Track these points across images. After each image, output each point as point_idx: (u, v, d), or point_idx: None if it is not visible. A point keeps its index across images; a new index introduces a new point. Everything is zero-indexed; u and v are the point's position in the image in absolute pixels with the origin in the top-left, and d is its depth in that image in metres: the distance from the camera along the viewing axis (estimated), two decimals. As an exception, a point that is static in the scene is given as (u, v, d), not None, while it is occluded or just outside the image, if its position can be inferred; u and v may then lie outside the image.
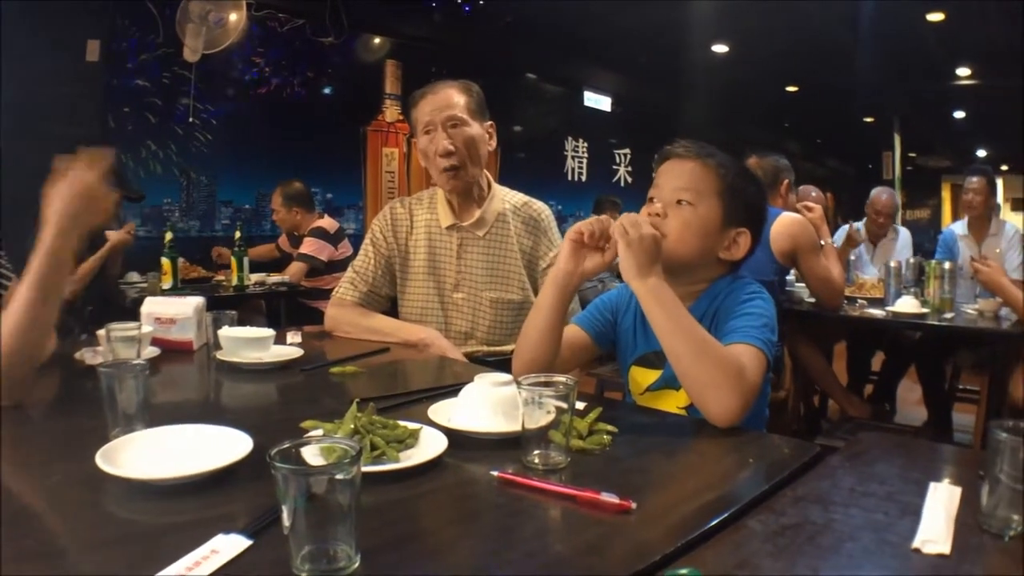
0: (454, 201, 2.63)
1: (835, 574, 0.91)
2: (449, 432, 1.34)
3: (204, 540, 0.93)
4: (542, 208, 2.73)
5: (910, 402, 5.48)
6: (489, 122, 2.63)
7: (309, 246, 5.37)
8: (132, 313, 2.22)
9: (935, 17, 8.42)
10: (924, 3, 8.08)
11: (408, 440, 1.28)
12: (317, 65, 7.26)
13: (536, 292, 2.46)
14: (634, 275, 1.58)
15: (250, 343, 2.03)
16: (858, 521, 1.05)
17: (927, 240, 8.85)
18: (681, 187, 1.78)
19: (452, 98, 2.53)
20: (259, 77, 6.86)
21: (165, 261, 4.49)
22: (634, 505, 1.07)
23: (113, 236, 4.63)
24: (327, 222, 5.58)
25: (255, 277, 5.06)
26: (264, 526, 0.97)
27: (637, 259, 1.57)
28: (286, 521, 0.86)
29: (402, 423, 1.33)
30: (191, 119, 6.30)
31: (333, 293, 2.66)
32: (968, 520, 1.04)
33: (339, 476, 0.86)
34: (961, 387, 4.97)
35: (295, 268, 5.31)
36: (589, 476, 1.22)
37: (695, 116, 11.97)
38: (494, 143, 2.65)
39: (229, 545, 0.92)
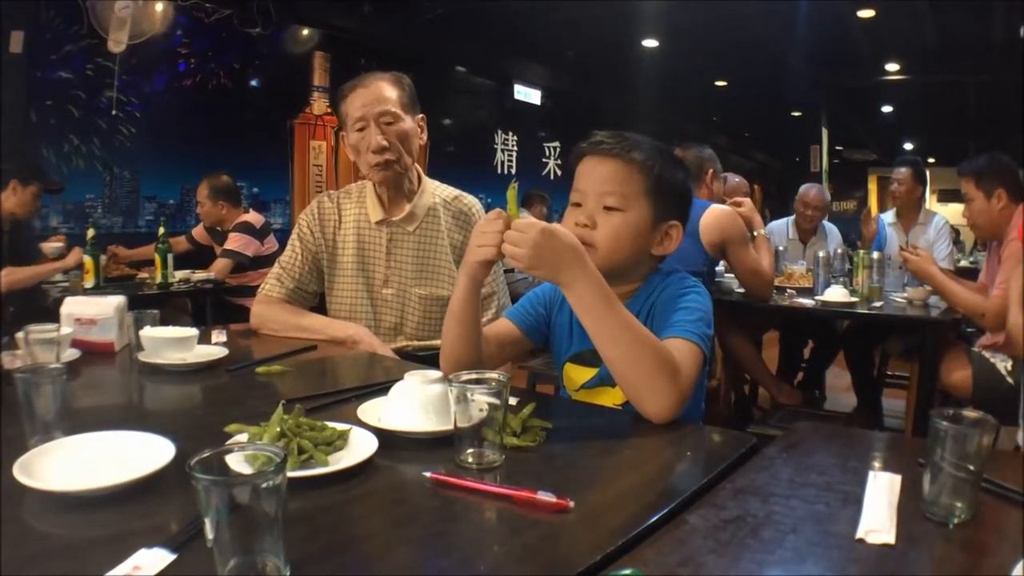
0: (384, 195, 2.59)
1: (780, 569, 0.91)
2: (380, 432, 1.31)
3: (126, 555, 0.89)
4: (473, 202, 2.70)
5: (839, 389, 5.61)
6: (420, 115, 2.59)
7: (234, 241, 5.26)
8: (54, 313, 2.14)
9: (865, 13, 8.57)
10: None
11: (337, 442, 1.25)
12: (244, 57, 7.12)
13: None
14: (553, 278, 1.49)
15: (173, 343, 1.97)
16: (800, 513, 1.05)
17: (853, 231, 9.00)
18: (607, 191, 1.71)
19: (384, 92, 2.48)
20: (185, 69, 6.70)
21: (87, 259, 4.36)
22: (571, 504, 1.05)
23: (70, 258, 4.51)
24: (253, 217, 5.48)
25: (179, 274, 4.95)
26: (188, 539, 0.93)
27: (545, 269, 1.46)
28: (209, 534, 0.82)
29: (331, 424, 1.29)
30: (115, 112, 6.14)
31: (259, 290, 2.60)
32: (911, 508, 1.05)
33: (263, 485, 0.82)
34: (889, 373, 5.09)
35: (220, 264, 5.21)
36: (524, 474, 1.20)
37: (625, 110, 12.08)
38: (425, 136, 2.62)
39: (152, 560, 0.88)
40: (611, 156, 1.73)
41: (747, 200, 4.16)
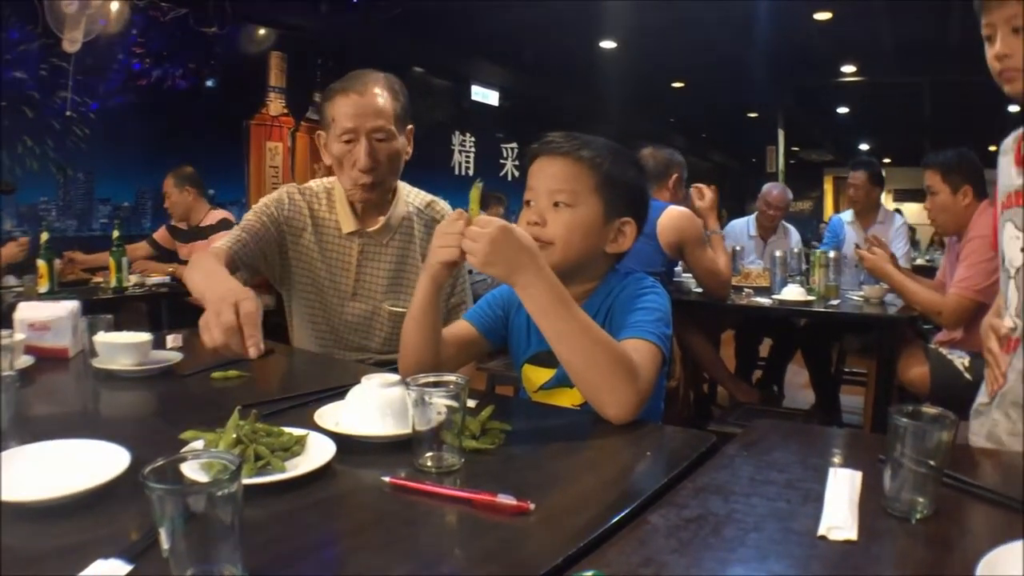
0: (359, 207, 2.43)
1: (743, 567, 0.91)
2: (337, 437, 1.30)
3: (82, 567, 0.87)
4: (445, 208, 2.58)
5: (797, 386, 5.65)
6: (410, 127, 2.43)
7: (216, 241, 5.14)
8: (7, 319, 2.10)
9: (822, 16, 8.67)
10: (812, 2, 8.31)
11: (294, 448, 1.23)
12: (200, 56, 7.06)
13: None
14: (507, 278, 1.48)
15: (127, 349, 1.93)
16: (761, 511, 1.05)
17: (809, 231, 9.13)
18: (556, 189, 1.71)
19: (378, 104, 2.28)
20: (140, 68, 6.63)
21: (41, 263, 4.28)
22: (532, 506, 1.05)
23: (6, 251, 4.44)
24: (228, 214, 5.41)
25: (134, 278, 4.87)
26: (145, 548, 0.91)
27: (500, 267, 1.46)
28: (164, 544, 0.81)
29: (287, 429, 1.28)
30: (69, 112, 6.06)
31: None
32: (872, 504, 1.05)
33: (218, 493, 0.81)
34: (847, 370, 5.14)
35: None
36: (484, 477, 1.20)
37: (583, 110, 12.12)
38: (411, 149, 2.44)
39: (109, 571, 0.87)
40: (560, 155, 1.74)
41: (709, 192, 4.16)
